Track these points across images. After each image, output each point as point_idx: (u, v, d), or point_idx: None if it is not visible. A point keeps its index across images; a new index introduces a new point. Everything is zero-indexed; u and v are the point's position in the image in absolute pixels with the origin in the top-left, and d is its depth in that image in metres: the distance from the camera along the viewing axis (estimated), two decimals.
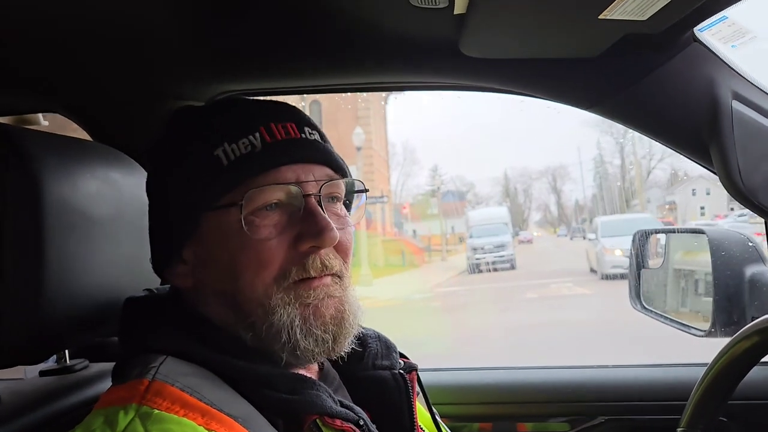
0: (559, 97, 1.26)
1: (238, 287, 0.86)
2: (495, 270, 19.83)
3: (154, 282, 1.11)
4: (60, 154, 0.98)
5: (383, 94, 27.98)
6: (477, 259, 20.57)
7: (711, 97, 1.17)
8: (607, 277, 13.57)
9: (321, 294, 0.87)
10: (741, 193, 1.17)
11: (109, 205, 1.05)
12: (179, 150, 0.93)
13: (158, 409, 0.74)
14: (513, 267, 20.27)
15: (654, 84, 1.18)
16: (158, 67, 1.33)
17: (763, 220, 1.43)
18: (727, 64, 1.18)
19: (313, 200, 0.88)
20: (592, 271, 15.59)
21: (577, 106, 1.26)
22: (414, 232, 32.85)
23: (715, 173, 1.24)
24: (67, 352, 1.22)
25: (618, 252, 13.05)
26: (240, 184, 0.86)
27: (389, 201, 29.88)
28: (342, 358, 0.97)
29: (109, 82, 1.38)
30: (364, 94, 23.96)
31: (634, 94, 1.20)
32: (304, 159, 0.90)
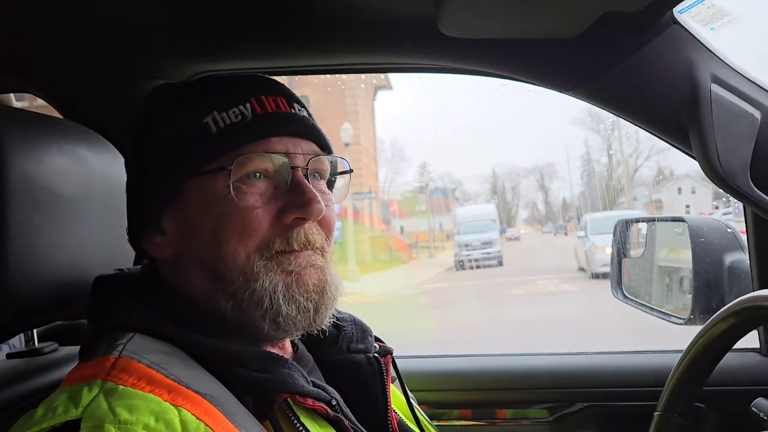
0: (540, 80, 1.25)
1: (220, 255, 0.86)
2: (482, 267, 19.90)
3: (125, 263, 1.09)
4: (24, 128, 0.96)
5: (372, 89, 27.98)
6: (464, 255, 20.64)
7: (690, 80, 1.17)
8: (598, 276, 13.33)
9: (303, 263, 0.87)
10: (719, 176, 1.17)
11: (78, 182, 1.03)
12: (163, 119, 0.93)
13: (123, 385, 0.73)
14: (500, 264, 20.35)
15: (634, 67, 1.17)
16: (132, 45, 1.30)
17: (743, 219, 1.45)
18: (706, 47, 1.18)
19: (300, 173, 0.89)
20: (581, 269, 15.41)
21: (558, 89, 1.25)
22: (402, 228, 32.86)
23: (693, 157, 1.24)
24: (35, 334, 1.19)
25: (609, 250, 12.69)
26: (229, 150, 0.86)
27: (377, 197, 29.87)
28: (316, 340, 0.97)
29: (80, 60, 1.35)
30: (353, 89, 23.93)
31: (614, 77, 1.19)
32: (293, 133, 0.90)
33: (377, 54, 1.32)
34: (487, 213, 24.87)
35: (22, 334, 1.24)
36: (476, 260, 20.28)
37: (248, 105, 0.88)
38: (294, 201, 0.87)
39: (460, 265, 20.52)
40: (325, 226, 0.92)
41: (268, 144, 0.87)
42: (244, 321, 0.86)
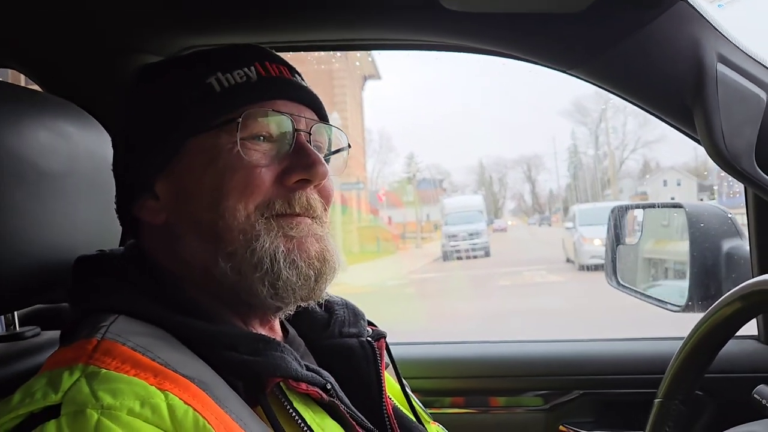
0: (542, 57, 1.22)
1: (219, 213, 0.83)
2: (469, 257, 19.97)
3: (110, 244, 1.05)
4: (6, 101, 0.91)
5: (360, 79, 27.87)
6: (451, 246, 20.72)
7: (696, 59, 1.14)
8: (586, 268, 13.19)
9: (305, 230, 0.85)
10: (724, 158, 1.14)
11: (62, 159, 0.99)
12: (161, 83, 0.91)
13: (107, 369, 0.69)
14: (487, 254, 20.44)
15: (638, 44, 1.14)
16: (116, 18, 1.26)
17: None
18: (712, 24, 1.15)
19: (302, 136, 0.88)
20: (569, 261, 15.38)
21: (559, 67, 1.22)
22: (389, 219, 32.84)
23: (697, 139, 1.21)
24: (16, 318, 1.15)
25: (597, 242, 12.57)
26: (236, 108, 0.85)
27: (365, 188, 29.84)
28: (307, 324, 0.95)
29: (62, 34, 1.30)
30: (342, 78, 23.83)
31: (617, 55, 1.16)
32: (296, 98, 0.91)
33: (374, 29, 1.28)
34: (474, 204, 24.93)
35: (2, 318, 1.19)
36: (463, 251, 20.35)
37: (253, 68, 0.88)
38: (298, 162, 0.86)
39: (448, 256, 20.57)
40: (325, 196, 0.91)
41: (273, 105, 0.87)
42: (240, 285, 0.83)
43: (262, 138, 0.86)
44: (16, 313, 1.16)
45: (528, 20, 1.15)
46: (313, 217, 0.88)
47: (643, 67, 1.17)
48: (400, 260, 22.69)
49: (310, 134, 0.89)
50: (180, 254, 0.86)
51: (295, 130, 0.88)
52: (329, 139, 0.97)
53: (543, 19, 1.14)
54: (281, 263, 0.82)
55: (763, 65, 1.17)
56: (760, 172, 1.16)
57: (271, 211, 0.84)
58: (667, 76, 1.17)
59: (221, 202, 0.83)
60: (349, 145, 1.01)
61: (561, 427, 1.55)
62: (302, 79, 0.95)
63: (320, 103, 0.95)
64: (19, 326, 1.16)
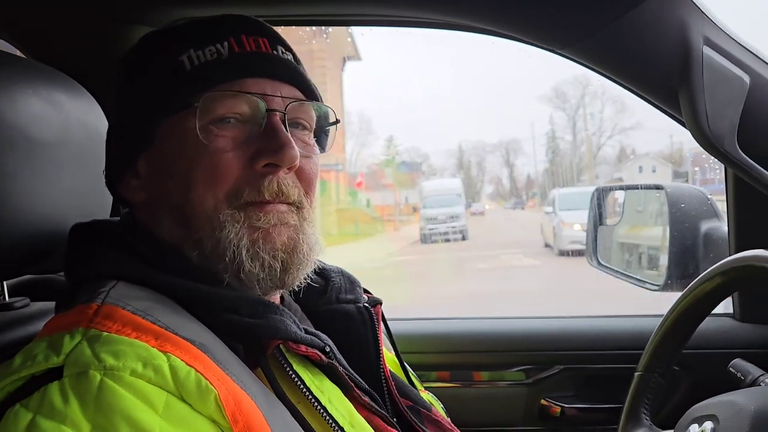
0: (534, 36, 1.23)
1: (188, 199, 0.82)
2: (447, 240, 20.07)
3: (102, 214, 1.05)
4: None
5: (341, 60, 27.64)
6: (430, 229, 20.79)
7: (683, 41, 1.16)
8: (566, 253, 12.86)
9: (273, 219, 0.83)
10: (707, 139, 1.17)
11: (54, 127, 0.98)
12: (143, 57, 0.90)
13: (108, 332, 0.69)
14: (465, 238, 20.56)
15: (628, 25, 1.15)
16: None
17: None
18: (699, 8, 1.17)
19: (276, 116, 0.84)
20: (548, 246, 15.24)
21: (551, 47, 1.24)
22: (368, 201, 32.84)
23: (682, 121, 1.24)
24: (6, 289, 1.14)
25: (577, 226, 12.31)
26: (201, 90, 0.82)
27: (344, 169, 29.75)
28: (304, 291, 0.94)
29: (54, 4, 1.28)
30: (322, 59, 23.61)
31: (609, 36, 1.17)
32: (272, 75, 0.86)
33: (364, 4, 1.28)
34: (452, 187, 25.00)
35: None
36: (441, 234, 20.45)
37: (226, 43, 0.84)
38: (267, 146, 0.82)
39: (426, 239, 20.66)
40: (304, 180, 0.87)
41: (242, 84, 0.83)
42: (209, 271, 0.82)
43: (231, 120, 0.83)
44: (5, 283, 1.15)
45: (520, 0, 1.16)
46: (289, 203, 0.85)
47: (631, 49, 1.19)
48: (379, 242, 22.73)
49: (285, 113, 0.85)
50: (159, 232, 0.86)
51: (268, 110, 0.84)
52: (319, 115, 0.92)
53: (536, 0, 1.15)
54: (243, 254, 0.80)
55: (747, 49, 1.20)
56: (742, 153, 1.19)
57: (240, 200, 0.82)
58: (655, 57, 1.19)
59: (190, 189, 0.82)
60: (338, 120, 0.97)
61: (542, 401, 1.59)
62: (287, 50, 0.90)
63: (303, 77, 0.90)
64: (9, 297, 1.15)
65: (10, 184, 0.88)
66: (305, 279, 0.88)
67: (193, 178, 0.82)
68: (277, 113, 0.84)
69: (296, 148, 0.83)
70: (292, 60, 0.90)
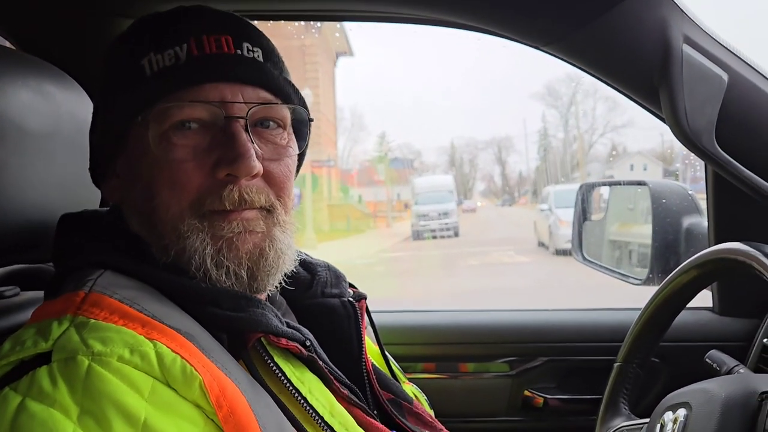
0: (516, 33, 1.25)
1: (154, 207, 0.82)
2: (439, 237, 20.10)
3: (90, 204, 1.06)
4: None
5: (333, 55, 27.57)
6: (421, 225, 20.80)
7: (663, 39, 1.18)
8: (563, 252, 12.35)
9: (237, 228, 0.81)
10: (686, 135, 1.20)
11: (44, 119, 0.99)
12: (109, 59, 0.89)
13: (95, 319, 0.71)
14: (456, 234, 20.59)
15: (609, 23, 1.18)
16: None
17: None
18: (679, 7, 1.20)
19: (236, 124, 0.81)
20: (542, 245, 14.79)
21: (533, 44, 1.26)
22: (360, 197, 32.81)
23: (663, 117, 1.26)
24: None
25: None
26: (159, 98, 0.80)
27: (336, 165, 29.71)
28: (290, 284, 0.94)
29: None
30: (314, 54, 23.53)
31: (590, 33, 1.20)
32: (232, 77, 0.82)
33: (356, 0, 1.29)
34: (444, 184, 25.00)
35: None
36: (433, 230, 20.48)
37: (184, 46, 0.81)
38: (225, 156, 0.80)
39: (418, 235, 20.68)
40: (275, 183, 0.85)
41: (200, 91, 0.80)
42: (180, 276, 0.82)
43: (190, 125, 0.81)
44: None
45: None
46: (258, 208, 0.83)
47: (613, 46, 1.22)
48: (370, 239, 22.74)
49: (246, 119, 0.81)
50: (135, 231, 0.86)
51: (226, 117, 0.81)
52: (293, 111, 0.89)
53: None
54: (208, 263, 0.80)
55: (725, 47, 1.23)
56: (720, 149, 1.22)
57: (203, 209, 0.81)
58: (636, 55, 1.22)
59: (155, 196, 0.82)
60: (311, 119, 0.94)
61: (526, 392, 1.62)
62: (255, 46, 0.85)
63: (270, 76, 0.85)
64: None
65: (1, 174, 0.89)
66: (281, 282, 0.87)
67: (157, 188, 0.81)
68: (239, 120, 0.81)
69: (254, 158, 0.80)
70: (260, 57, 0.86)
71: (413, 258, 16.67)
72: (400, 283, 11.53)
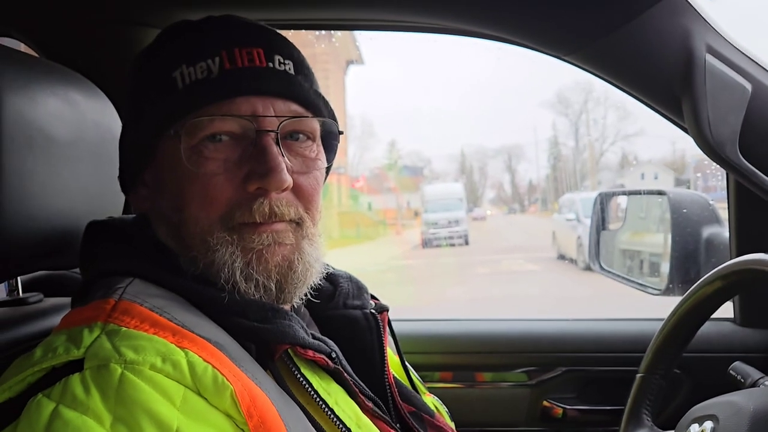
0: (540, 42, 1.25)
1: (183, 219, 0.82)
2: (448, 245, 20.08)
3: (114, 211, 1.07)
4: (18, 68, 0.92)
5: (344, 63, 27.68)
6: (431, 233, 20.80)
7: (686, 49, 1.18)
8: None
9: (267, 240, 0.81)
10: (709, 145, 1.19)
11: (70, 126, 1.00)
12: (139, 69, 0.90)
13: (126, 327, 0.71)
14: (466, 242, 20.57)
15: (632, 32, 1.18)
16: None
17: None
18: (703, 17, 1.19)
19: (267, 138, 0.81)
20: (563, 258, 13.76)
21: (555, 53, 1.26)
22: (369, 205, 32.83)
23: (685, 127, 1.26)
24: (20, 284, 1.16)
25: None
26: (190, 111, 0.81)
27: (346, 172, 29.76)
28: (312, 296, 0.94)
29: (67, 5, 1.30)
30: (325, 62, 23.64)
31: (613, 43, 1.20)
32: (264, 91, 0.82)
33: (378, 9, 1.30)
34: (454, 192, 25.00)
35: (5, 284, 1.20)
36: (443, 238, 20.46)
37: (217, 59, 0.81)
38: (256, 169, 0.80)
39: (427, 243, 20.67)
40: (303, 196, 0.85)
41: (232, 105, 0.80)
42: (207, 287, 0.82)
43: (220, 138, 0.81)
44: (19, 279, 1.17)
45: (529, 6, 1.18)
46: (287, 221, 0.83)
47: (636, 56, 1.21)
48: (380, 246, 22.74)
49: (278, 132, 0.81)
50: (164, 241, 0.87)
51: (257, 131, 0.81)
52: (322, 124, 0.89)
53: (543, 6, 1.17)
54: (237, 275, 0.80)
55: (749, 57, 1.23)
56: (743, 159, 1.21)
57: (233, 222, 0.81)
58: (659, 64, 1.21)
59: (184, 209, 0.82)
60: (341, 132, 0.95)
61: (545, 403, 1.61)
62: (286, 58, 0.86)
63: (300, 89, 0.85)
64: (22, 292, 1.17)
65: (28, 182, 0.90)
66: (306, 294, 0.87)
67: (187, 199, 0.82)
68: (270, 133, 0.81)
69: (285, 172, 0.81)
70: (292, 69, 0.86)
71: (423, 266, 16.65)
72: (409, 291, 11.51)
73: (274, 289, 0.82)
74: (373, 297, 1.05)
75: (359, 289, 1.02)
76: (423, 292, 11.41)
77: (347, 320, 0.97)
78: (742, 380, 1.15)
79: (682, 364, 1.49)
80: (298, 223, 0.85)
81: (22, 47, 1.43)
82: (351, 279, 1.04)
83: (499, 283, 11.82)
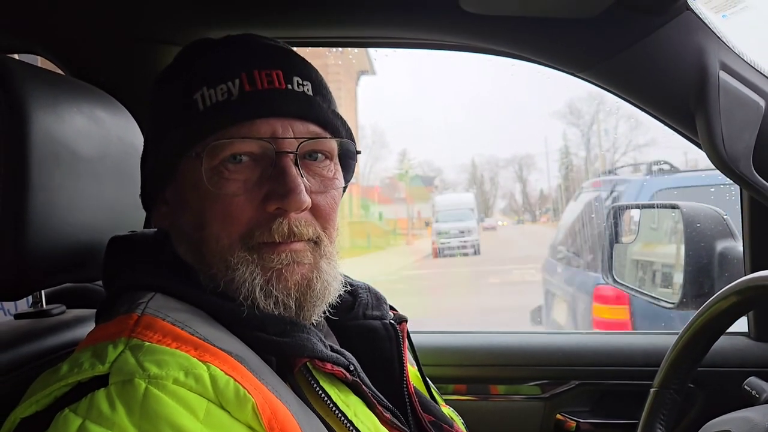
0: (554, 60, 1.27)
1: (204, 237, 0.84)
2: (459, 255, 20.05)
3: (135, 226, 1.10)
4: (46, 87, 0.95)
5: (355, 75, 27.81)
6: (442, 243, 20.78)
7: (700, 66, 1.19)
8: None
9: (286, 259, 0.83)
10: (723, 161, 1.20)
11: (95, 143, 1.03)
12: (160, 90, 0.92)
13: (149, 342, 0.73)
14: (477, 252, 20.53)
15: (646, 50, 1.19)
16: (142, 7, 1.29)
17: None
18: (716, 34, 1.21)
19: (287, 159, 0.83)
20: None
21: (570, 70, 1.27)
22: (380, 215, 32.86)
23: (698, 143, 1.27)
24: (43, 296, 1.19)
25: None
26: (211, 133, 0.82)
27: (357, 182, 29.83)
28: (332, 306, 0.95)
29: (88, 21, 1.33)
30: (337, 73, 23.76)
31: (627, 60, 1.21)
32: (284, 113, 0.84)
33: (395, 28, 1.32)
34: (465, 202, 25.00)
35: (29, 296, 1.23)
36: (454, 248, 20.43)
37: (236, 81, 0.83)
38: (275, 190, 0.82)
39: (438, 253, 20.65)
40: (321, 216, 0.87)
41: (252, 127, 0.82)
42: (226, 303, 0.84)
43: (240, 158, 0.83)
44: (42, 291, 1.19)
45: (542, 24, 1.20)
46: (306, 240, 0.85)
47: (649, 72, 1.23)
48: (391, 256, 22.72)
49: (297, 153, 0.83)
50: (184, 257, 0.89)
51: (277, 152, 0.83)
52: (340, 144, 0.91)
53: (557, 24, 1.19)
54: (257, 293, 0.81)
55: (762, 74, 1.23)
56: (757, 175, 1.22)
57: (253, 241, 0.82)
58: (672, 81, 1.22)
59: (204, 227, 0.84)
60: (359, 152, 0.96)
61: (558, 416, 1.61)
62: (305, 79, 0.87)
63: (319, 110, 0.87)
64: (46, 304, 1.19)
65: (56, 197, 0.92)
66: (324, 312, 0.89)
67: (207, 219, 0.83)
68: (289, 154, 0.83)
69: (304, 193, 0.82)
70: (310, 90, 0.87)
71: (434, 276, 16.62)
72: (420, 301, 11.49)
73: (294, 306, 0.84)
74: (391, 308, 1.06)
75: (378, 299, 1.04)
76: (433, 303, 11.39)
77: (367, 330, 0.99)
78: (757, 395, 1.15)
79: (697, 379, 1.49)
80: (316, 243, 0.86)
81: (39, 61, 1.47)
82: (370, 290, 1.05)
83: (510, 294, 11.77)
